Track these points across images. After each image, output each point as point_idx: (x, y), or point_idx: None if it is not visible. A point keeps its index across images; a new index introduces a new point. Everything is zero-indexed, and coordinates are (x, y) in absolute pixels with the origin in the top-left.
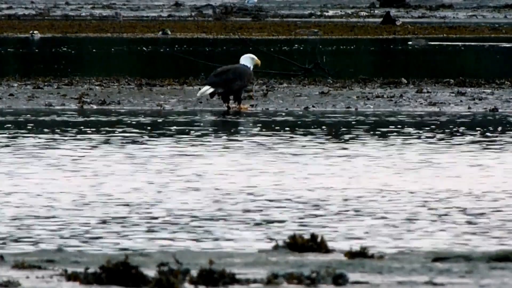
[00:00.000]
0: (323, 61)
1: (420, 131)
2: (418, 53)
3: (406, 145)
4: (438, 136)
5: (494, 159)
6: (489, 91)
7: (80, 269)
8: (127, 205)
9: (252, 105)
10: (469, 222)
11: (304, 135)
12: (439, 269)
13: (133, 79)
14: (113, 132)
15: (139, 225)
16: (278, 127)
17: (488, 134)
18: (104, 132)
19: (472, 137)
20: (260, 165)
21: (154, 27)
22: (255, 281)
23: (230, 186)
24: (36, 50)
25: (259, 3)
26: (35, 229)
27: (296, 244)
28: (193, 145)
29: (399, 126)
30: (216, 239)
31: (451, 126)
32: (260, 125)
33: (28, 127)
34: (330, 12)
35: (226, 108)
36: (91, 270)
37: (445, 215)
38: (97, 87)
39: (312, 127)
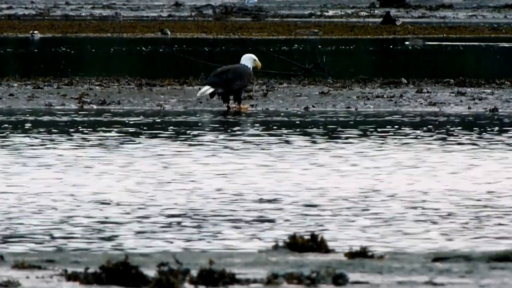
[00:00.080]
0: (323, 61)
1: (420, 131)
2: (418, 53)
3: (406, 145)
4: (438, 136)
5: (494, 159)
6: (489, 91)
7: (80, 269)
8: (128, 205)
9: (252, 105)
10: (469, 222)
11: (304, 135)
12: (439, 269)
13: (133, 79)
14: (113, 132)
15: (139, 225)
16: (278, 127)
17: (488, 134)
18: (104, 132)
19: (472, 137)
20: (260, 165)
21: (154, 27)
22: (255, 281)
23: (230, 186)
24: (36, 50)
25: (259, 3)
26: (35, 229)
27: (296, 244)
28: (193, 145)
29: (399, 126)
30: (216, 239)
31: (451, 126)
32: (260, 125)
33: (27, 127)
34: (330, 12)
35: (226, 108)
36: (91, 270)
37: (445, 215)
38: (97, 87)
39: (312, 127)
